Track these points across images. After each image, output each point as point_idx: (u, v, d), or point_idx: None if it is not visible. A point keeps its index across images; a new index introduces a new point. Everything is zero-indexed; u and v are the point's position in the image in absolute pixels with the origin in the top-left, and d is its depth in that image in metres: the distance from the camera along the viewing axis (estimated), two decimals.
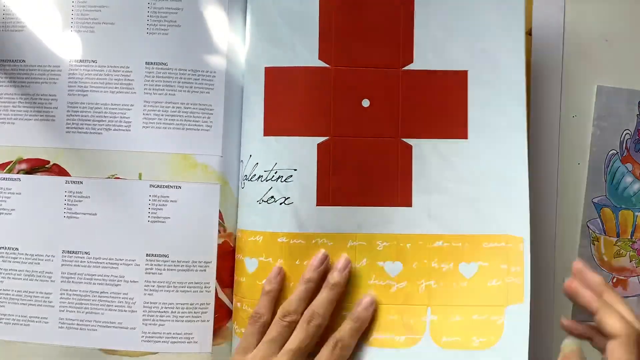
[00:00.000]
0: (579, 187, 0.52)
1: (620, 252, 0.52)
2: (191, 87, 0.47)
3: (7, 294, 0.48)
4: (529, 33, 0.51)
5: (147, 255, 0.47)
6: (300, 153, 0.45)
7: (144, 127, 0.47)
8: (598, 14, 0.53)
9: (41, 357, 0.47)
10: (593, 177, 0.52)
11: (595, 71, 0.53)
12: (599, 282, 0.40)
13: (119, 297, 0.47)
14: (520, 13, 0.46)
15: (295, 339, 0.41)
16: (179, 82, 0.47)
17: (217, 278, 0.47)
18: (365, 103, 0.46)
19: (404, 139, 0.46)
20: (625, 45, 0.53)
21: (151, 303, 0.47)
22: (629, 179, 0.52)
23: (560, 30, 0.52)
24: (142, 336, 0.47)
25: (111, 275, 0.47)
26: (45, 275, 0.47)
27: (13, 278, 0.48)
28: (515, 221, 0.45)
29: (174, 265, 0.47)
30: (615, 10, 0.53)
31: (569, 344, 0.39)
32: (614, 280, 0.52)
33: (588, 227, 0.52)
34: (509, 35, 0.46)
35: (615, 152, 0.52)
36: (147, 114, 0.47)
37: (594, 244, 0.52)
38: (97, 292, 0.47)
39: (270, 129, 0.46)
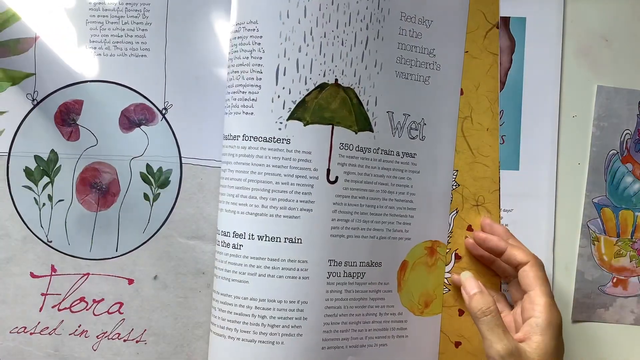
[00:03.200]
0: (579, 187, 0.52)
1: (621, 252, 0.52)
2: None
3: None
4: (496, 26, 0.51)
5: None
6: None
7: None
8: (598, 13, 0.53)
9: None
10: (593, 177, 0.52)
11: (595, 71, 0.52)
12: (504, 230, 0.49)
13: None
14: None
15: None
16: None
17: None
18: None
19: None
20: (625, 45, 0.53)
21: None
22: (629, 179, 0.52)
23: (560, 30, 0.52)
24: None
25: None
26: None
27: None
28: None
29: None
30: (615, 10, 0.53)
31: (465, 273, 0.46)
32: (614, 280, 0.52)
33: (588, 227, 0.52)
34: None
35: (615, 152, 0.52)
36: None
37: (594, 244, 0.52)
38: None
39: None
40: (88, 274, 0.48)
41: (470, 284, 0.44)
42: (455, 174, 0.51)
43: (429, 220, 0.50)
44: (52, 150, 0.48)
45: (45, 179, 0.48)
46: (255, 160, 0.44)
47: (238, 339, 0.44)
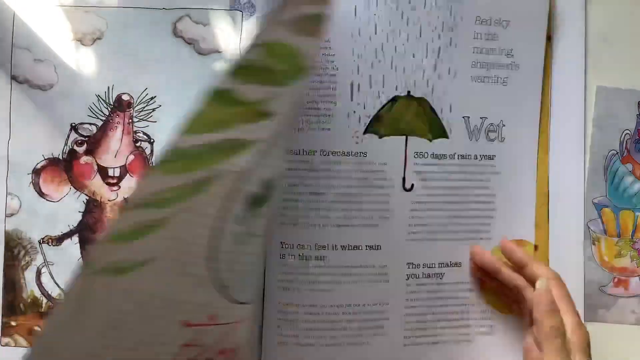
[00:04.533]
0: (579, 187, 0.52)
1: (621, 252, 0.52)
2: None
3: None
4: (548, 38, 0.51)
5: None
6: None
7: None
8: (598, 14, 0.53)
9: None
10: (593, 177, 0.52)
11: (595, 71, 0.52)
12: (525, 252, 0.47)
13: None
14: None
15: None
16: None
17: None
18: None
19: None
20: (625, 45, 0.53)
21: None
22: (629, 179, 0.52)
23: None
24: None
25: None
26: None
27: None
28: None
29: None
30: (615, 10, 0.53)
31: (542, 282, 0.44)
32: (615, 281, 0.52)
33: (588, 227, 0.52)
34: None
35: (615, 152, 0.52)
36: None
37: (594, 244, 0.52)
38: None
39: None
40: None
41: (550, 298, 0.43)
42: None
43: (512, 220, 0.50)
44: None
45: None
46: (334, 174, 0.46)
47: (328, 344, 0.46)
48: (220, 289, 0.35)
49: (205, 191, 0.30)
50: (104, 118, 0.50)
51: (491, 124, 0.50)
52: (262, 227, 0.37)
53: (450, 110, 0.49)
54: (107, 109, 0.50)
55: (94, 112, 0.50)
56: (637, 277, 0.52)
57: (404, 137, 0.48)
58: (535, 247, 0.50)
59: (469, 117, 0.49)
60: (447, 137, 0.49)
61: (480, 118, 0.50)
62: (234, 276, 0.36)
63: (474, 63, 0.49)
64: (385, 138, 0.47)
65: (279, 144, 0.35)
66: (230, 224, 0.33)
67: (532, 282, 0.45)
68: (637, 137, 0.52)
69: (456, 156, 0.49)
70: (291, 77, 0.34)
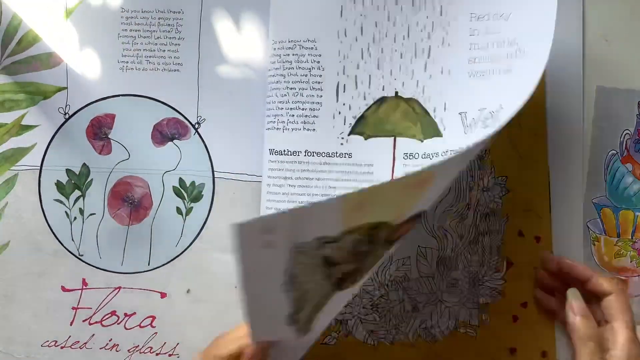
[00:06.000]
0: (578, 187, 0.52)
1: (621, 252, 0.52)
2: None
3: None
4: None
5: None
6: None
7: None
8: (598, 13, 0.53)
9: None
10: (593, 177, 0.52)
11: (595, 71, 0.52)
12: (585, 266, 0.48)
13: None
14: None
15: None
16: None
17: None
18: None
19: None
20: (625, 45, 0.53)
21: None
22: (629, 179, 0.52)
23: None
24: None
25: None
26: None
27: None
28: None
29: None
30: (615, 10, 0.53)
31: (571, 292, 0.46)
32: None
33: (588, 227, 0.52)
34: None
35: (615, 152, 0.52)
36: None
37: (594, 244, 0.52)
38: None
39: None
40: (119, 287, 0.49)
41: (580, 304, 0.45)
42: (505, 180, 0.51)
43: None
44: (84, 164, 0.49)
45: (77, 193, 0.49)
46: (318, 175, 0.46)
47: None
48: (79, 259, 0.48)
49: None
50: None
51: (491, 112, 0.46)
52: None
53: (445, 109, 0.47)
54: None
55: None
56: (637, 277, 0.52)
57: (391, 138, 0.47)
58: (538, 239, 0.50)
59: (465, 113, 0.47)
60: (440, 135, 0.47)
61: (479, 110, 0.47)
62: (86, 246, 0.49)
63: (470, 59, 0.47)
64: (371, 139, 0.47)
65: None
66: None
67: (595, 295, 0.45)
68: (637, 137, 0.52)
69: (449, 152, 0.47)
70: None
